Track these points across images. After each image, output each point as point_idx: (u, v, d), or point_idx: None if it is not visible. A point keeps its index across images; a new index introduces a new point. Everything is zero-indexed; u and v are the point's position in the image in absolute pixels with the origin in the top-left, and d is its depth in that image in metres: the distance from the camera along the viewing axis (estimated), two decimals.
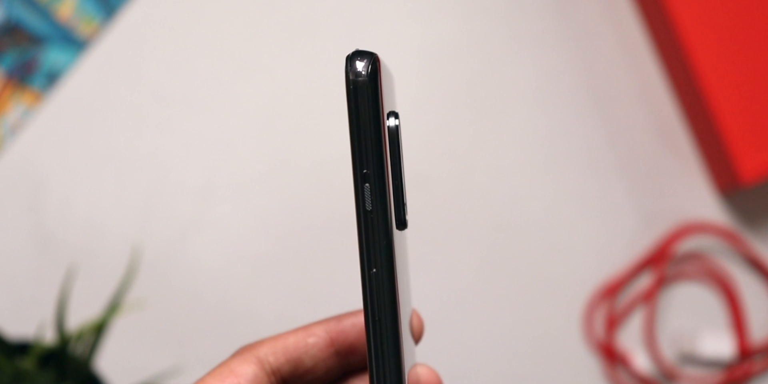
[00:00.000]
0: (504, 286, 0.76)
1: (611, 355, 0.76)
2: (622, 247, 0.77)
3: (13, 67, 0.77)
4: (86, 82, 0.78)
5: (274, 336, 0.36)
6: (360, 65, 0.29)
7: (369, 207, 0.29)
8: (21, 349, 0.64)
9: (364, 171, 0.29)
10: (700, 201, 0.78)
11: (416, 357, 0.36)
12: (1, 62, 0.77)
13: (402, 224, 0.31)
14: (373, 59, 0.29)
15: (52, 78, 0.77)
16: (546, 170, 0.77)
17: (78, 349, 0.62)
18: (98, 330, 0.62)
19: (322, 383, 0.37)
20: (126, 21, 0.78)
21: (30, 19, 0.78)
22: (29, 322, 0.71)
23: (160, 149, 0.77)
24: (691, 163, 0.78)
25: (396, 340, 0.30)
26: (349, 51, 0.29)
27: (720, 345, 0.75)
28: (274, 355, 0.36)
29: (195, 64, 0.78)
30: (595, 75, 0.78)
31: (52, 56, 0.77)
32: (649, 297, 0.76)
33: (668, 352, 0.77)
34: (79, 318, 0.68)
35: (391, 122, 0.30)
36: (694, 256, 0.77)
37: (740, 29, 0.74)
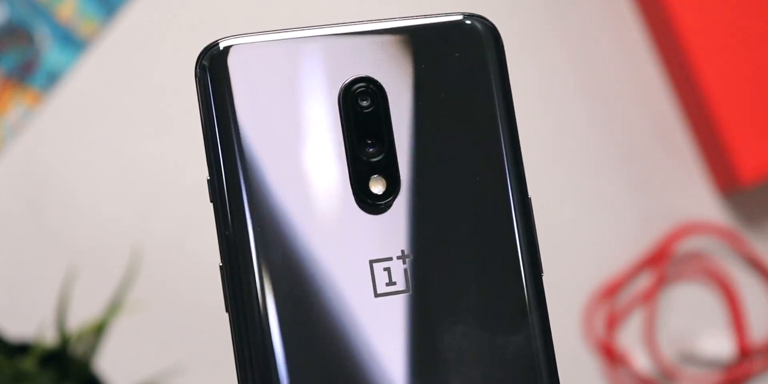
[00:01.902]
0: None
1: (611, 355, 0.76)
2: (622, 247, 0.77)
3: (13, 67, 0.77)
4: (86, 82, 0.78)
5: None
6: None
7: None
8: (21, 349, 0.64)
9: (207, 178, 0.29)
10: (700, 201, 0.78)
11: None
12: (1, 62, 0.77)
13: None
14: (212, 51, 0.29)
15: (52, 78, 0.77)
16: (545, 170, 0.77)
17: (78, 349, 0.62)
18: (99, 330, 0.62)
19: None
20: (126, 21, 0.78)
21: (30, 19, 0.78)
22: (29, 322, 0.71)
23: (160, 149, 0.77)
24: (690, 163, 0.78)
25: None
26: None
27: (720, 345, 0.75)
28: None
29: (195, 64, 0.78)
30: (595, 75, 0.78)
31: (52, 56, 0.77)
32: (649, 297, 0.76)
33: (668, 352, 0.77)
34: (79, 318, 0.68)
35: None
36: (694, 256, 0.77)
37: (740, 29, 0.74)
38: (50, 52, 0.78)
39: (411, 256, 0.28)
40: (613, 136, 0.78)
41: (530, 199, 0.30)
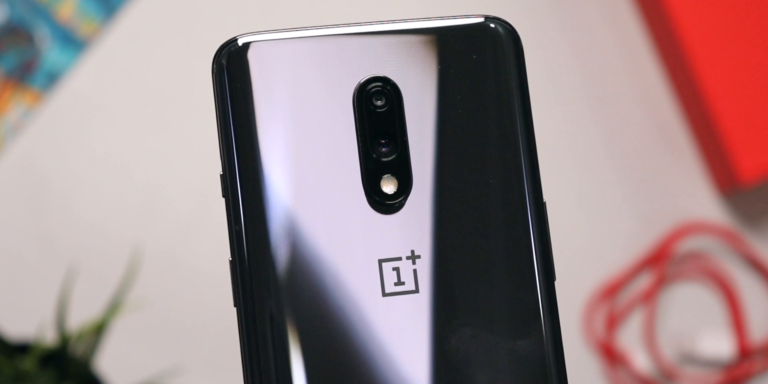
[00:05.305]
0: None
1: (611, 355, 0.76)
2: (621, 247, 0.77)
3: (13, 67, 0.77)
4: (86, 82, 0.78)
5: None
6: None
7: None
8: (21, 349, 0.64)
9: (221, 173, 0.29)
10: (700, 201, 0.78)
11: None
12: (1, 62, 0.77)
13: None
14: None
15: (52, 78, 0.77)
16: (545, 170, 0.77)
17: (78, 349, 0.62)
18: (99, 330, 0.62)
19: None
20: (126, 21, 0.78)
21: (30, 19, 0.78)
22: (29, 322, 0.71)
23: (160, 148, 0.77)
24: (690, 163, 0.78)
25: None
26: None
27: (720, 345, 0.76)
28: None
29: (195, 64, 0.78)
30: (595, 75, 0.78)
31: (52, 56, 0.77)
32: (649, 297, 0.76)
33: (668, 352, 0.77)
34: (79, 318, 0.68)
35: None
36: (694, 256, 0.77)
37: (740, 29, 0.74)
38: (50, 52, 0.78)
39: (421, 257, 0.28)
40: (613, 136, 0.78)
41: (545, 203, 0.30)
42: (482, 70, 0.29)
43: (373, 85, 0.29)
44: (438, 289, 0.29)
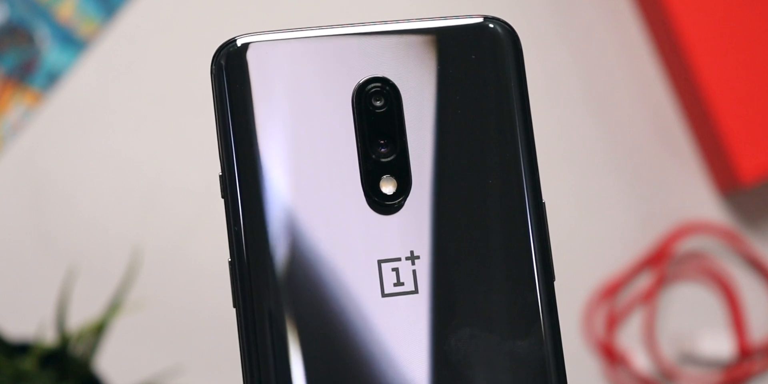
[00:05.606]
0: None
1: (611, 355, 0.76)
2: (621, 247, 0.77)
3: (13, 67, 0.77)
4: (86, 82, 0.78)
5: None
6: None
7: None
8: (21, 349, 0.64)
9: (219, 174, 0.29)
10: (700, 201, 0.78)
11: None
12: (1, 62, 0.77)
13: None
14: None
15: (52, 78, 0.77)
16: (544, 170, 0.77)
17: (78, 349, 0.62)
18: (99, 330, 0.62)
19: None
20: (126, 21, 0.78)
21: (30, 19, 0.78)
22: (29, 322, 0.71)
23: (160, 149, 0.77)
24: (690, 163, 0.78)
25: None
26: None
27: (720, 345, 0.76)
28: None
29: (195, 64, 0.78)
30: (595, 75, 0.78)
31: (52, 56, 0.77)
32: (649, 297, 0.76)
33: (668, 352, 0.77)
34: (79, 318, 0.68)
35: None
36: (693, 256, 0.77)
37: (740, 29, 0.74)
38: (50, 52, 0.78)
39: (420, 258, 0.29)
40: (613, 136, 0.78)
41: (544, 203, 0.30)
42: (481, 71, 0.29)
43: (373, 85, 0.29)
44: (437, 289, 0.29)
